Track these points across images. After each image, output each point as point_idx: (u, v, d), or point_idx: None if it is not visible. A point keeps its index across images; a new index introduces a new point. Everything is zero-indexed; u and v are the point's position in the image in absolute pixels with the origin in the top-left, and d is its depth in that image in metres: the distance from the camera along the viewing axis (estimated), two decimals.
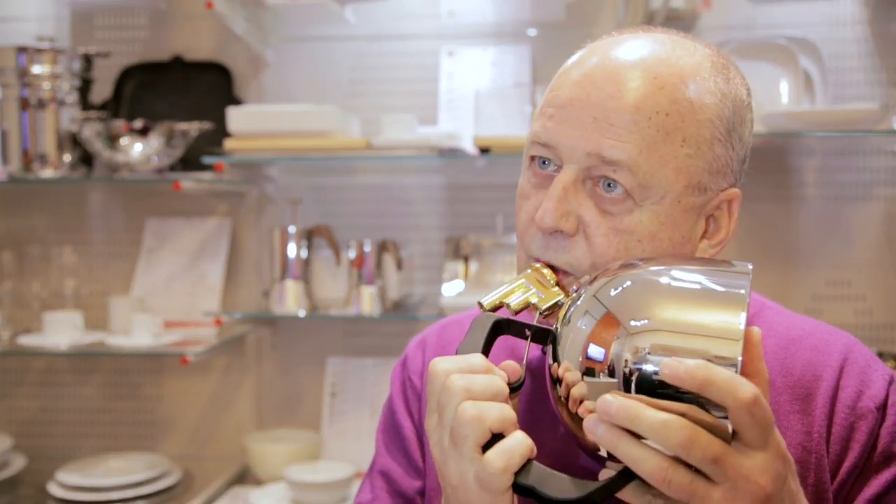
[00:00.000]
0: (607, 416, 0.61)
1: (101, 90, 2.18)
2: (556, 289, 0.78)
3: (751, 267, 0.68)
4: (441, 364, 0.69)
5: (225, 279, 2.18)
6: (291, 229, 2.00)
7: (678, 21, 1.92)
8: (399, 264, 2.00)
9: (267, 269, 2.09)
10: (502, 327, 0.75)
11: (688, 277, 0.67)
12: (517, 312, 0.77)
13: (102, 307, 2.14)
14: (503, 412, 0.65)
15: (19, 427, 2.24)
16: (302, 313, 2.00)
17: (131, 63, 2.20)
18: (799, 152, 2.07)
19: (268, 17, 2.11)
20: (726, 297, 0.64)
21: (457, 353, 0.71)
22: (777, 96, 1.91)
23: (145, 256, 2.21)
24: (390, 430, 0.95)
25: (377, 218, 2.16)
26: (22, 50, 1.98)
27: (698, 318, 0.63)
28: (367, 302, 1.97)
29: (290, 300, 2.00)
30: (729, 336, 0.62)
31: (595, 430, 0.62)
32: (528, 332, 0.75)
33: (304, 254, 2.02)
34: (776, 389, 0.82)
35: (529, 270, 0.79)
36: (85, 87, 2.09)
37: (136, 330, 1.98)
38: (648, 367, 0.62)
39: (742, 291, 0.64)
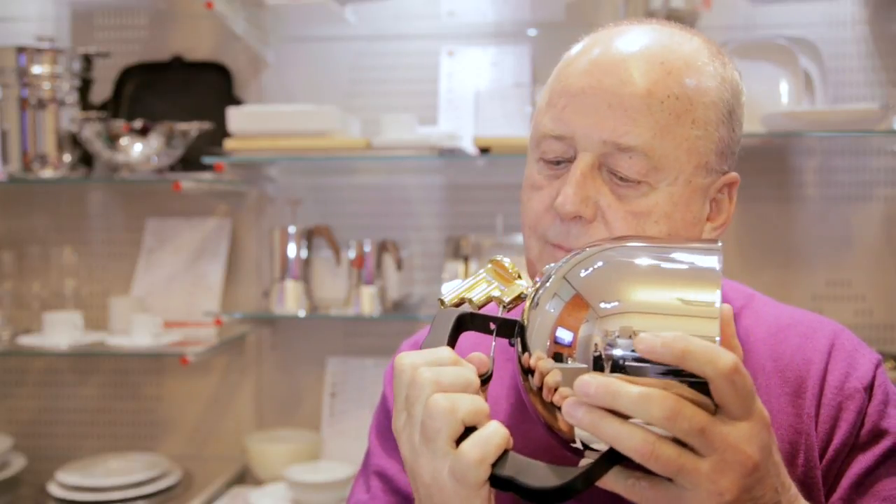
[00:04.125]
0: (586, 396, 0.59)
1: (101, 90, 2.18)
2: (519, 280, 0.76)
3: (720, 244, 0.67)
4: (407, 358, 0.65)
5: (225, 279, 2.18)
6: (291, 229, 2.00)
7: (678, 21, 1.91)
8: (399, 264, 2.00)
9: (267, 269, 2.09)
10: (466, 322, 0.72)
11: (659, 256, 0.65)
12: (480, 307, 0.74)
13: (102, 307, 2.14)
14: (475, 403, 0.63)
15: (19, 427, 2.24)
16: (302, 313, 2.00)
17: (131, 63, 2.20)
18: (799, 152, 2.07)
19: (268, 17, 2.11)
20: (700, 274, 0.63)
21: (420, 349, 0.68)
22: (777, 96, 1.90)
23: (145, 256, 2.21)
24: (386, 431, 0.95)
25: (377, 218, 2.16)
26: (22, 50, 1.98)
27: (672, 297, 0.61)
28: (367, 302, 1.97)
29: (290, 300, 1.99)
30: (705, 315, 0.60)
31: (574, 413, 0.59)
32: (492, 326, 0.72)
33: (304, 254, 2.02)
34: (767, 374, 0.84)
35: (490, 265, 0.77)
36: (85, 87, 2.09)
37: (136, 330, 1.98)
38: (621, 350, 0.60)
39: (716, 268, 0.62)
